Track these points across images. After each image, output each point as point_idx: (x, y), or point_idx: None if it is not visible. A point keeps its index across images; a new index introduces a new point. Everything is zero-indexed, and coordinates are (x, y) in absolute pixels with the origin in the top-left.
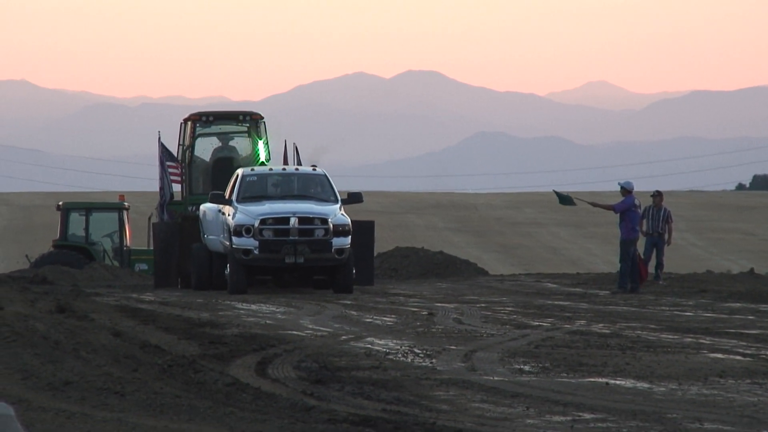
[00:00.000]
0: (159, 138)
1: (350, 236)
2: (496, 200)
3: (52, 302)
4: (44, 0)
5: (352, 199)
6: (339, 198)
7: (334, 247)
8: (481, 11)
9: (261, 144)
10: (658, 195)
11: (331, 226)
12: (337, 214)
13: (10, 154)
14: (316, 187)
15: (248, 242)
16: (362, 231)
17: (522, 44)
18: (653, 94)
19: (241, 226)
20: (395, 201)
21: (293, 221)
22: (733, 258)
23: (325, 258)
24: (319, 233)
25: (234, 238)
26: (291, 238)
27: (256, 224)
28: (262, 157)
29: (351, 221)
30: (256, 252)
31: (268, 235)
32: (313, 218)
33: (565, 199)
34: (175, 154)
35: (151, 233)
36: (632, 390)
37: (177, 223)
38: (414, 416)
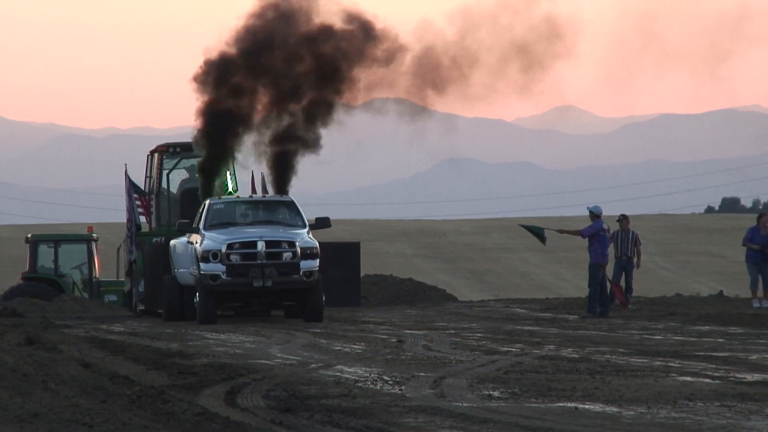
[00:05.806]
0: (126, 170)
1: (318, 259)
2: (465, 226)
3: (21, 334)
4: (9, 31)
5: (320, 224)
6: (307, 223)
7: (302, 270)
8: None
9: (228, 174)
10: (624, 219)
11: (299, 248)
12: (304, 237)
13: None
14: (283, 213)
15: (216, 267)
16: (348, 252)
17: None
18: (621, 118)
19: (209, 251)
20: (364, 228)
21: (260, 245)
22: (702, 281)
23: (294, 280)
24: (287, 256)
25: (202, 264)
26: (258, 261)
27: (224, 249)
28: (230, 187)
29: (336, 243)
30: (223, 277)
31: (235, 259)
32: (281, 241)
33: (537, 232)
34: (143, 186)
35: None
36: (601, 414)
37: (163, 246)
38: None
